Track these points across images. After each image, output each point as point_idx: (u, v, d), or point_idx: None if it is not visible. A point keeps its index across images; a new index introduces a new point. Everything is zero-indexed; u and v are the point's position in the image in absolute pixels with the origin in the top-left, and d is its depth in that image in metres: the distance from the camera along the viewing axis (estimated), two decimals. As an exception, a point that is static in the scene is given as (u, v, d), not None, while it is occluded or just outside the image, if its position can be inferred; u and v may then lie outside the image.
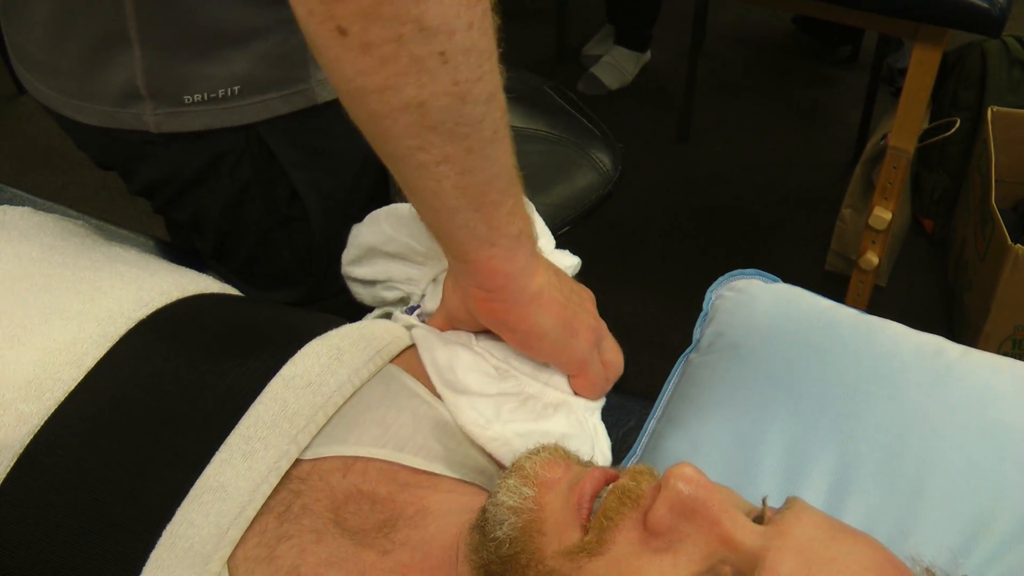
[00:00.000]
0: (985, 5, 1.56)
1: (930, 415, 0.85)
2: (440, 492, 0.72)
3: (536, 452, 0.68)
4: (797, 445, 0.86)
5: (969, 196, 2.29)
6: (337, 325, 0.80)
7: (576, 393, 0.82)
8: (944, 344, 0.92)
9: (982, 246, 2.09)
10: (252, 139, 0.99)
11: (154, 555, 0.63)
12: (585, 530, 0.62)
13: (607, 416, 0.85)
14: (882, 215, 1.95)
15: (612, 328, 0.84)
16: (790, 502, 0.64)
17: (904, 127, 1.84)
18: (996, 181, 2.08)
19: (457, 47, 0.59)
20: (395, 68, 0.59)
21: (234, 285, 0.92)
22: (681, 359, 0.98)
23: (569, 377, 0.82)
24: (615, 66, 3.05)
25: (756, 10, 3.34)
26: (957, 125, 2.11)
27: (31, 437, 0.68)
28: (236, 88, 0.94)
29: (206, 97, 0.94)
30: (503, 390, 0.79)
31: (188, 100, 0.94)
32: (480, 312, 0.77)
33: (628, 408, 0.98)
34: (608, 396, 0.85)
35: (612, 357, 0.83)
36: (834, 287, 2.16)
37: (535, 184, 1.68)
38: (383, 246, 0.88)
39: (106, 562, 0.63)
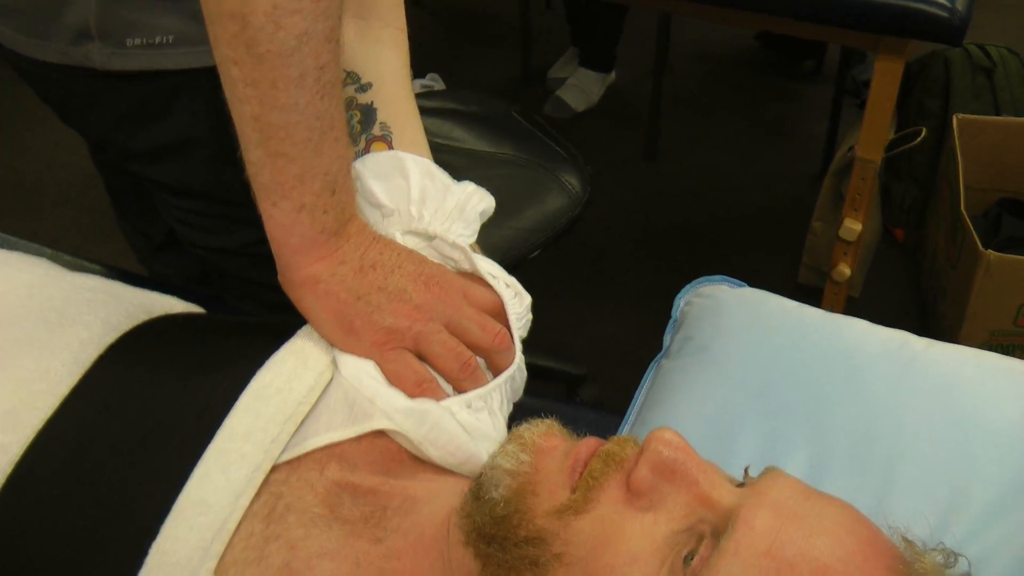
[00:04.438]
0: (945, 15, 1.57)
1: (898, 405, 0.87)
2: (422, 480, 0.74)
3: (536, 424, 0.73)
4: (769, 440, 0.87)
5: (939, 204, 2.30)
6: (301, 325, 0.82)
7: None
8: (909, 337, 0.95)
9: (954, 254, 2.10)
10: (201, 81, 1.05)
11: (142, 573, 0.65)
12: (574, 490, 0.65)
13: (586, 434, 0.83)
14: (852, 226, 1.95)
15: (589, 347, 0.83)
16: (767, 469, 0.67)
17: (870, 138, 1.85)
18: (965, 188, 2.09)
19: None
20: None
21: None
22: (652, 366, 0.99)
23: None
24: (581, 88, 3.05)
25: (719, 27, 3.35)
26: (923, 134, 2.11)
27: (11, 467, 0.69)
28: (171, 37, 1.04)
29: (144, 42, 1.04)
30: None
31: (130, 43, 1.04)
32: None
33: (604, 424, 0.97)
34: (585, 413, 0.84)
35: (442, 362, 0.79)
36: (807, 299, 2.13)
37: (505, 208, 1.66)
38: None
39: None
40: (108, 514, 0.68)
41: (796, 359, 0.91)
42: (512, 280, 0.86)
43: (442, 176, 0.90)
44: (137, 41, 1.04)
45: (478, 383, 0.80)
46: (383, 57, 0.96)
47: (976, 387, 0.88)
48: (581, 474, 0.66)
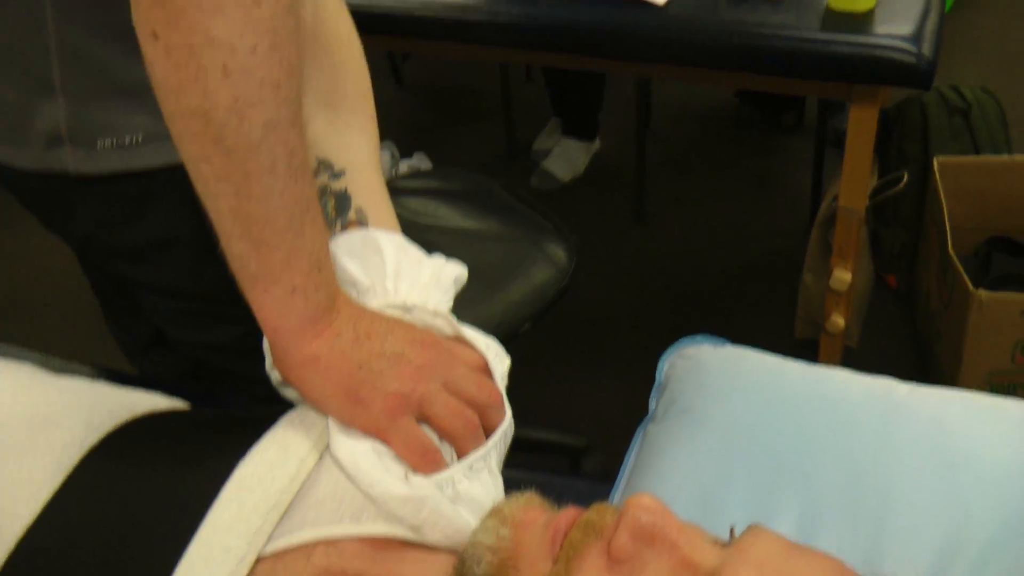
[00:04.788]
0: (912, 60, 1.59)
1: (885, 452, 0.87)
2: (411, 562, 0.74)
3: (515, 498, 0.73)
4: (758, 497, 0.87)
5: (928, 247, 2.31)
6: (282, 414, 0.82)
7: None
8: (892, 384, 0.95)
9: (946, 295, 2.10)
10: (175, 178, 1.03)
11: None
12: (555, 561, 0.65)
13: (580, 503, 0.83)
14: (842, 276, 1.95)
15: (584, 415, 0.83)
16: (750, 528, 0.66)
17: (851, 187, 1.87)
18: (952, 229, 2.10)
19: (238, 65, 0.67)
20: (187, 73, 0.67)
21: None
22: (638, 432, 0.99)
23: None
24: (566, 158, 3.08)
25: (698, 88, 3.39)
26: (905, 179, 2.12)
27: None
28: (139, 136, 1.07)
29: (115, 143, 1.06)
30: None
31: (100, 145, 1.07)
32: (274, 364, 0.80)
33: (596, 493, 0.96)
34: (575, 483, 0.84)
35: (448, 422, 0.79)
36: (805, 353, 2.14)
37: (493, 283, 1.69)
38: None
39: None
40: None
41: (780, 413, 0.91)
42: (492, 341, 0.87)
43: (414, 250, 0.92)
44: (107, 142, 1.06)
45: (479, 442, 0.80)
46: (354, 144, 0.99)
47: (963, 428, 0.88)
48: (562, 544, 0.65)
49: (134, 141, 1.06)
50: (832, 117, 2.90)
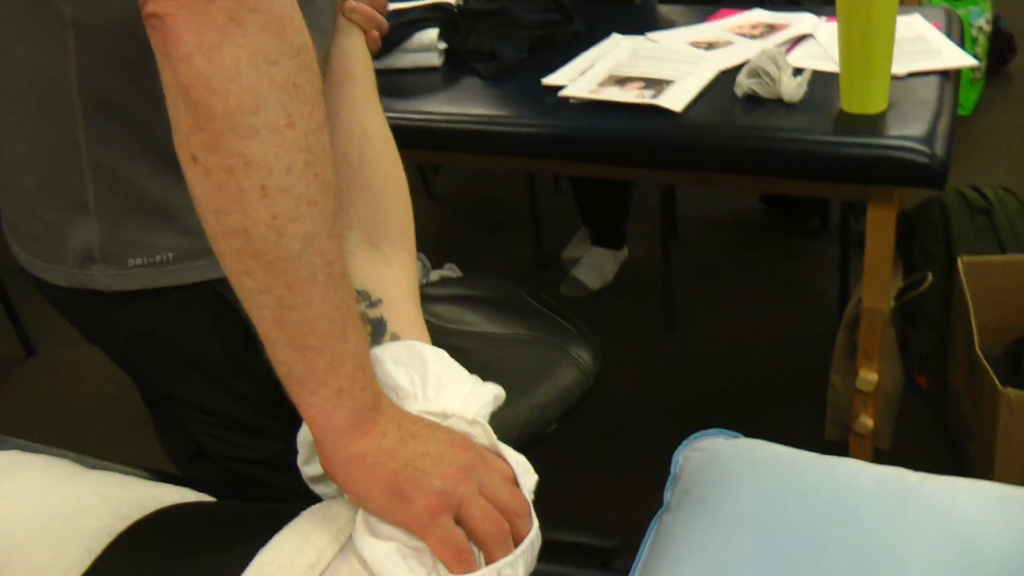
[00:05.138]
0: (925, 161, 1.62)
1: (897, 541, 0.86)
2: None
3: None
4: None
5: (956, 347, 2.30)
6: (305, 508, 0.85)
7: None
8: (904, 472, 0.94)
9: (975, 395, 2.09)
10: (204, 296, 1.09)
11: None
12: None
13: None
14: (868, 376, 1.95)
15: (618, 516, 0.84)
16: None
17: (874, 287, 1.88)
18: (980, 329, 2.10)
19: (275, 184, 0.72)
20: (226, 194, 0.72)
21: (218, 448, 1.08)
22: (653, 522, 1.00)
23: None
24: (595, 266, 3.12)
25: (723, 195, 3.44)
26: (929, 280, 2.14)
27: None
28: (170, 255, 1.08)
29: (146, 261, 1.07)
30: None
31: (131, 263, 1.07)
32: (320, 464, 0.82)
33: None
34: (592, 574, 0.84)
35: (481, 525, 0.81)
36: (836, 455, 2.15)
37: (519, 386, 1.70)
38: None
39: None
40: None
41: (790, 503, 0.91)
42: (521, 457, 0.90)
43: (456, 364, 0.94)
44: (138, 261, 1.08)
45: (508, 549, 0.82)
46: (392, 277, 1.03)
47: (974, 517, 0.87)
48: None
49: (165, 259, 1.08)
50: (856, 220, 2.92)
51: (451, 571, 0.79)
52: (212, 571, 0.77)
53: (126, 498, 0.90)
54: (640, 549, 0.97)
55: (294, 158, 0.72)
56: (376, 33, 1.17)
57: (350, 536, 0.82)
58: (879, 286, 1.88)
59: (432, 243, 3.39)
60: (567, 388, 1.71)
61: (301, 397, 0.78)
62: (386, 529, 0.80)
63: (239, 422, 1.21)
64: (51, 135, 1.03)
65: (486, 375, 1.67)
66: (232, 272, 0.76)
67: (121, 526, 0.85)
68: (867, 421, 1.99)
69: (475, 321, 1.87)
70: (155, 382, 1.21)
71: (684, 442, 1.04)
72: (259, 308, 0.75)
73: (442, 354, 0.94)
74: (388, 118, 2.09)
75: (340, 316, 0.77)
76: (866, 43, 1.64)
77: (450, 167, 3.84)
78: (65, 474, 0.95)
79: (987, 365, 2.00)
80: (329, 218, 0.76)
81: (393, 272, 1.04)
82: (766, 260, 3.12)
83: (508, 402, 1.73)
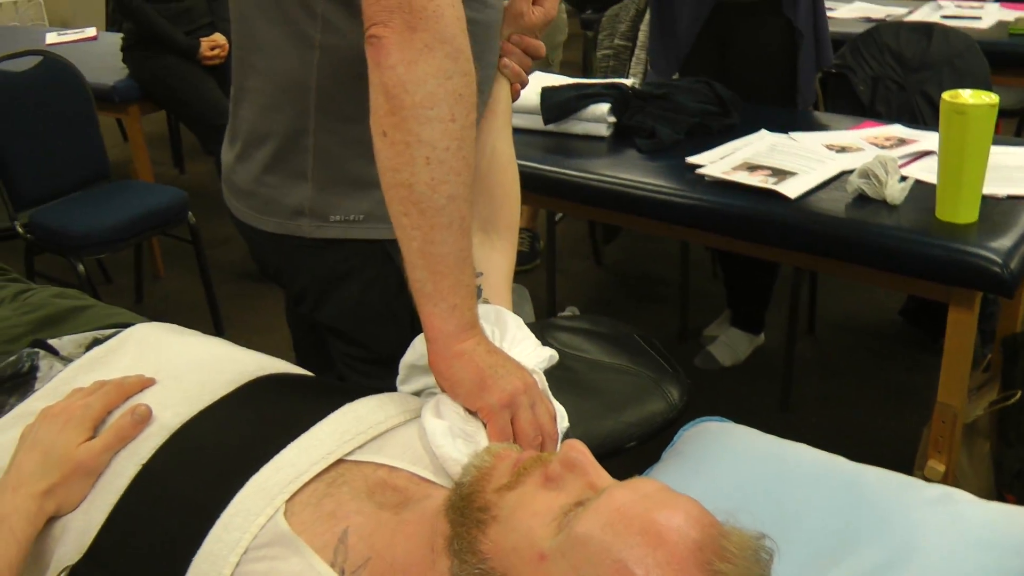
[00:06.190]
0: (997, 270, 1.82)
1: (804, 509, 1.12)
2: (436, 490, 1.05)
3: (500, 443, 1.07)
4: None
5: (1042, 467, 2.42)
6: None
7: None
8: (839, 460, 1.19)
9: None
10: (377, 250, 1.41)
11: (250, 482, 1.01)
12: (513, 476, 0.95)
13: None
14: (936, 467, 2.12)
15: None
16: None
17: (949, 384, 2.05)
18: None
19: (436, 157, 1.06)
20: (402, 159, 1.06)
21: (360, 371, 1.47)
22: (646, 472, 1.25)
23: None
24: (730, 345, 3.35)
25: (865, 304, 3.62)
26: (1017, 396, 2.29)
27: (180, 425, 1.09)
28: (362, 216, 1.38)
29: (342, 219, 1.38)
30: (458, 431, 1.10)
31: (332, 219, 1.39)
32: (428, 359, 1.12)
33: None
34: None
35: (525, 428, 1.11)
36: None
37: (611, 404, 1.98)
38: (418, 361, 1.22)
39: (221, 487, 1.02)
40: (236, 450, 1.06)
41: (751, 464, 1.17)
42: (560, 407, 1.20)
43: (526, 329, 1.26)
44: (337, 217, 1.39)
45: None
46: (494, 259, 1.39)
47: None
48: (517, 467, 0.96)
49: (356, 219, 1.39)
50: (983, 345, 3.06)
51: None
52: (312, 408, 1.10)
53: (267, 362, 1.25)
54: None
55: (451, 142, 1.07)
56: (519, 87, 1.52)
57: (415, 415, 1.14)
58: (955, 383, 2.05)
59: (590, 303, 3.71)
60: (652, 414, 1.97)
61: (427, 308, 1.11)
62: (447, 412, 1.11)
63: (378, 355, 1.50)
64: (289, 123, 1.37)
65: (587, 392, 1.99)
66: (395, 213, 1.09)
67: (260, 374, 1.20)
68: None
69: (589, 349, 2.16)
70: (322, 314, 1.50)
71: (689, 423, 1.31)
72: (410, 240, 1.08)
73: (518, 320, 1.27)
74: (556, 173, 2.52)
75: (463, 256, 1.11)
76: (959, 162, 1.87)
77: (620, 243, 4.17)
78: (220, 341, 1.32)
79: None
80: (467, 188, 1.10)
81: (495, 256, 1.38)
82: (892, 368, 3.28)
83: (599, 415, 2.03)
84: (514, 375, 1.13)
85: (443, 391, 1.15)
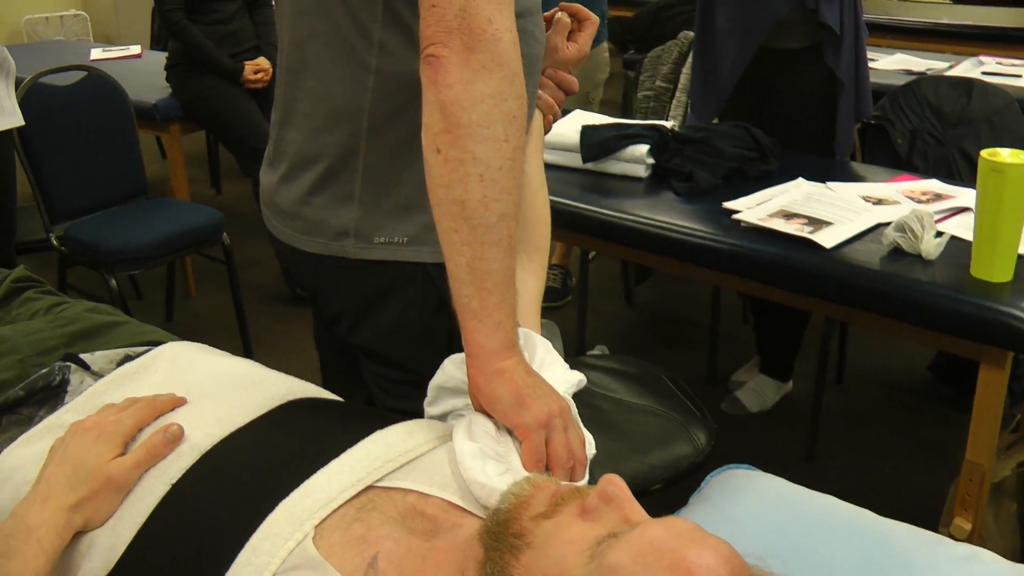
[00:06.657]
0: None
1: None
2: (469, 517, 1.05)
3: (539, 474, 1.07)
4: None
5: (1068, 531, 2.40)
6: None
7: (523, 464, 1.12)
8: (865, 512, 1.20)
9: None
10: (418, 273, 1.41)
11: (279, 507, 1.02)
12: (550, 506, 0.95)
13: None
14: (962, 524, 2.11)
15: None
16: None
17: (978, 442, 2.05)
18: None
19: (490, 175, 1.08)
20: (456, 176, 1.08)
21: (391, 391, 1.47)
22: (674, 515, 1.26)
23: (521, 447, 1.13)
24: (757, 392, 3.34)
25: (895, 357, 3.60)
26: (1046, 456, 2.28)
27: (211, 446, 1.11)
28: (406, 239, 1.38)
29: (387, 240, 1.38)
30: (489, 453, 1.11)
31: (377, 240, 1.39)
32: (467, 376, 1.13)
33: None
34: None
35: (557, 451, 1.12)
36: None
37: (638, 446, 1.98)
38: (446, 383, 1.24)
39: (251, 510, 1.02)
40: (266, 474, 1.07)
41: (773, 511, 1.17)
42: (589, 435, 1.21)
43: (556, 353, 1.27)
44: (382, 239, 1.38)
45: (569, 480, 1.13)
46: (524, 280, 1.38)
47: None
48: (555, 498, 0.97)
49: (401, 241, 1.38)
50: (1012, 405, 3.04)
51: (526, 469, 1.10)
52: (343, 434, 1.12)
53: (298, 385, 1.26)
54: None
55: (504, 161, 1.09)
56: (551, 118, 1.55)
57: (445, 442, 1.15)
58: (983, 442, 2.04)
59: (620, 342, 3.71)
60: (677, 458, 1.97)
61: (471, 324, 1.12)
62: (478, 433, 1.12)
63: (412, 376, 1.48)
64: (339, 145, 1.38)
65: (613, 432, 2.00)
66: (445, 229, 1.10)
67: (291, 397, 1.21)
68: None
69: (616, 389, 2.16)
70: (359, 335, 1.50)
71: (716, 470, 1.31)
72: (458, 255, 1.10)
73: (546, 343, 1.27)
74: (592, 212, 2.53)
75: (509, 274, 1.12)
76: (996, 220, 1.87)
77: (651, 284, 4.17)
78: (250, 363, 1.34)
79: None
80: (516, 208, 1.11)
81: (526, 277, 1.39)
82: (919, 423, 3.26)
83: (624, 457, 2.03)
84: (550, 397, 1.14)
85: (476, 409, 1.16)
